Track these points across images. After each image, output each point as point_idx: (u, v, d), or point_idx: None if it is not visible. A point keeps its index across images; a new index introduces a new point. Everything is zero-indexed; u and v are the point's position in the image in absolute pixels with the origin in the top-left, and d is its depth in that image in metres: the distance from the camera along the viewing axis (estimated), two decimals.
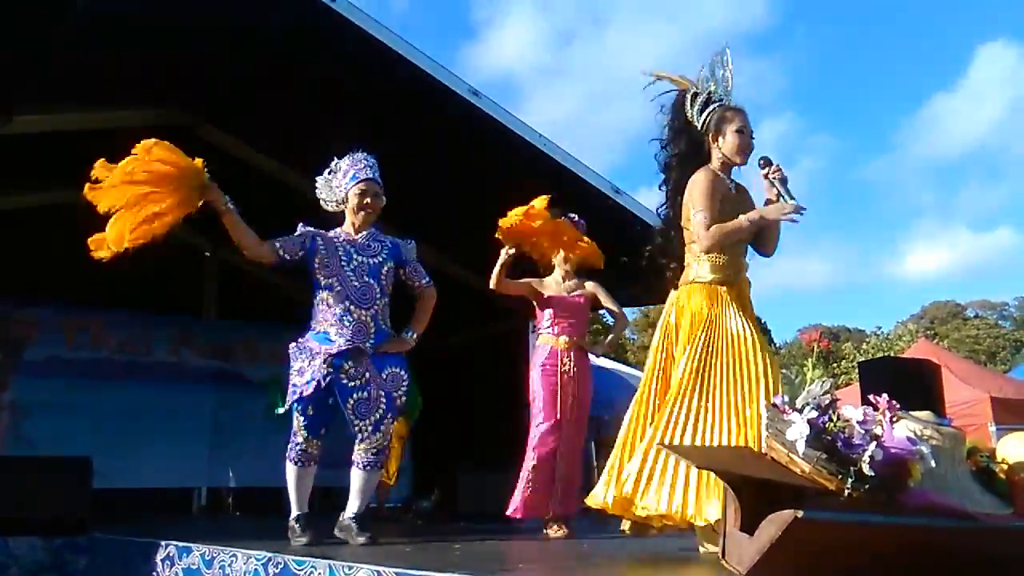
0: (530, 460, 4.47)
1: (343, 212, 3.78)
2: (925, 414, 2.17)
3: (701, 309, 2.95)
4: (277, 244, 3.62)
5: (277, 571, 2.94)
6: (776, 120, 67.64)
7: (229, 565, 3.19)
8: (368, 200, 3.71)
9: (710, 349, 2.87)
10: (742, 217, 2.97)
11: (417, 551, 3.21)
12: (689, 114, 3.18)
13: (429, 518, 6.32)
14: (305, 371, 3.54)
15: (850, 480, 1.79)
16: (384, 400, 3.63)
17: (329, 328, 3.58)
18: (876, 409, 1.98)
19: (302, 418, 3.56)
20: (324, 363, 3.51)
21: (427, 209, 6.50)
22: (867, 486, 1.80)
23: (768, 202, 3.07)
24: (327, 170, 3.82)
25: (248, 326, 8.42)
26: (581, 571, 3.01)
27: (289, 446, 3.62)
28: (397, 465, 6.27)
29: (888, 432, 1.88)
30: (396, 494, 7.14)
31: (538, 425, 4.52)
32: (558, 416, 4.48)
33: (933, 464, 1.93)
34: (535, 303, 4.72)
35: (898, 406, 1.97)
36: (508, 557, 3.06)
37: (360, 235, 3.73)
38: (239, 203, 3.45)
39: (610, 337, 5.39)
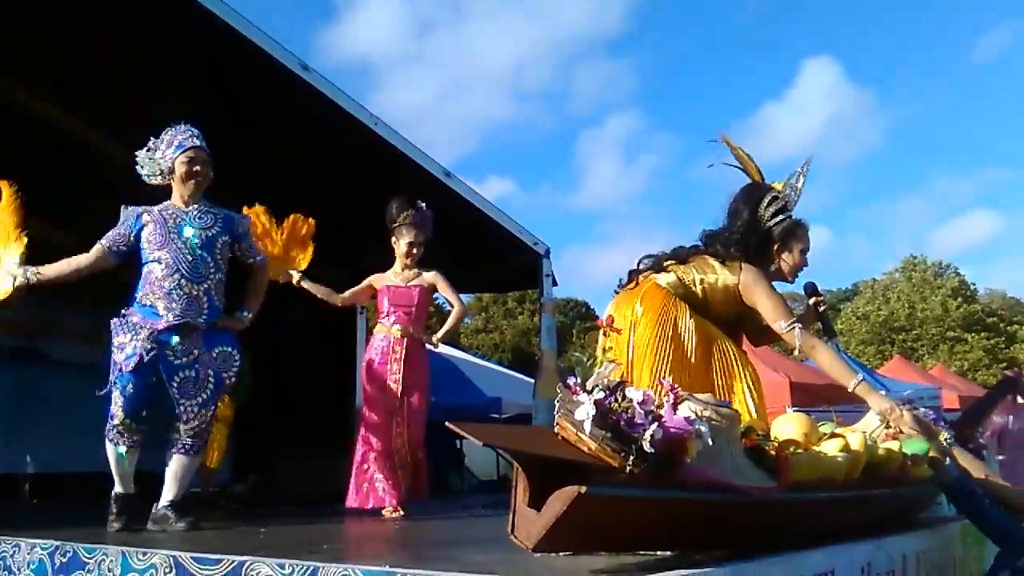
0: (366, 452, 4.44)
1: (170, 185, 3.64)
2: (706, 396, 2.33)
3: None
4: (106, 244, 3.51)
5: (65, 561, 2.78)
6: (624, 116, 70.26)
7: (11, 556, 2.98)
8: (197, 168, 3.59)
9: None
10: (859, 383, 3.03)
11: (218, 535, 3.13)
12: (762, 213, 3.24)
13: (246, 502, 6.15)
14: (126, 346, 3.37)
15: (632, 457, 1.90)
16: (212, 380, 3.52)
17: (157, 302, 3.42)
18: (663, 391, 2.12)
19: (121, 397, 3.38)
20: (148, 338, 3.35)
21: (258, 184, 6.28)
22: (647, 463, 1.92)
23: (801, 319, 3.17)
24: (146, 148, 3.67)
25: (53, 302, 7.79)
26: (384, 550, 3.05)
27: (107, 425, 3.44)
28: (222, 449, 6.02)
29: (669, 412, 2.01)
30: (215, 478, 6.87)
31: (368, 416, 4.49)
32: (392, 405, 4.45)
33: (710, 442, 2.09)
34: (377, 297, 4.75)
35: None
36: (314, 540, 3.03)
37: (191, 207, 3.60)
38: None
39: (445, 328, 5.10)
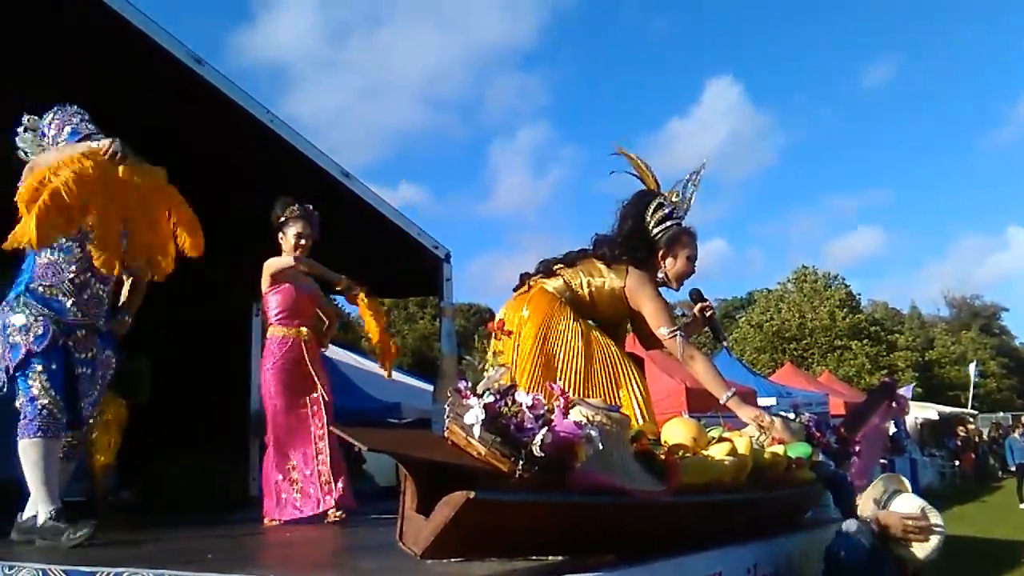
0: (283, 461, 4.23)
1: None
2: (597, 401, 2.35)
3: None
4: None
5: None
6: (535, 128, 71.30)
7: None
8: None
9: None
10: (730, 397, 3.14)
11: (96, 546, 2.97)
12: (648, 219, 3.26)
13: (131, 510, 5.88)
14: (32, 327, 3.09)
15: (521, 462, 1.89)
16: (100, 383, 3.37)
17: (61, 296, 3.17)
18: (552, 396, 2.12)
19: (44, 375, 3.06)
20: (55, 324, 3.12)
21: None
22: (536, 467, 1.92)
23: (688, 326, 3.32)
24: (23, 128, 3.44)
25: None
26: (271, 559, 2.96)
27: (24, 419, 3.06)
28: (115, 453, 5.70)
29: (559, 417, 2.01)
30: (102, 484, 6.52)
31: (285, 424, 4.25)
32: (311, 410, 4.28)
33: (600, 446, 2.10)
34: (268, 288, 4.40)
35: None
36: (199, 549, 2.91)
37: None
38: None
39: (327, 337, 4.89)
